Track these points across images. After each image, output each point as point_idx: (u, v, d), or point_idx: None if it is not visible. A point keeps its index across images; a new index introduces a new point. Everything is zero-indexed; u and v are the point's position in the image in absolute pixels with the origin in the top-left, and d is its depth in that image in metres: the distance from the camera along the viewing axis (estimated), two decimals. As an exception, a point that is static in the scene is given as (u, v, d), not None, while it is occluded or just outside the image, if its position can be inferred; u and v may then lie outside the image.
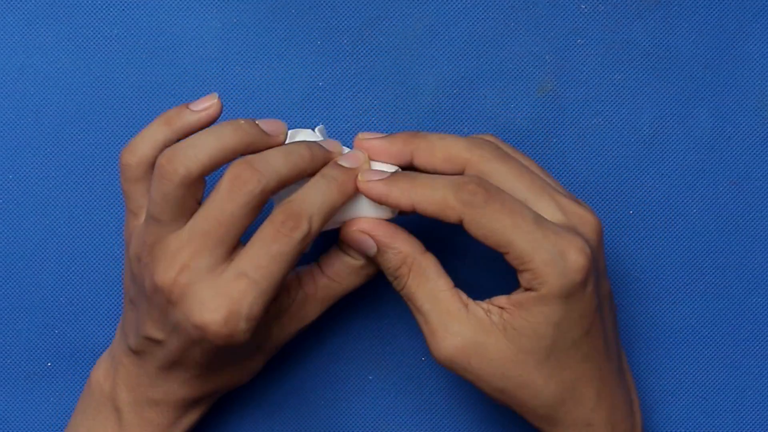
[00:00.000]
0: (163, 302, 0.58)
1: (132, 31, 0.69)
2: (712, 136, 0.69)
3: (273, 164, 0.58)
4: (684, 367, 0.69)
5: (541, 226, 0.57)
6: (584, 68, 0.69)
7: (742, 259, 0.69)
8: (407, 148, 0.61)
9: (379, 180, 0.59)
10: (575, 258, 0.57)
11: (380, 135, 0.62)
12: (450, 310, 0.59)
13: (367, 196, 0.60)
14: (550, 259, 0.57)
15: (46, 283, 0.69)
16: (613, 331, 0.62)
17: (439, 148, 0.60)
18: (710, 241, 0.69)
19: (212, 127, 0.59)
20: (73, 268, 0.69)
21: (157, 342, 0.59)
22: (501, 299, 0.59)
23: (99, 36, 0.69)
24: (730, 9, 0.69)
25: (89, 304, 0.69)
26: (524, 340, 0.58)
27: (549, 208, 0.59)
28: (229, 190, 0.57)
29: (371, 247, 0.60)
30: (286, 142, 0.61)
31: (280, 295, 0.62)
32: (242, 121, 0.60)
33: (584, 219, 0.59)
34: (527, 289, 0.58)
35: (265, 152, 0.58)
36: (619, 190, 0.69)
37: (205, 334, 0.56)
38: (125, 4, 0.69)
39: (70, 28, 0.69)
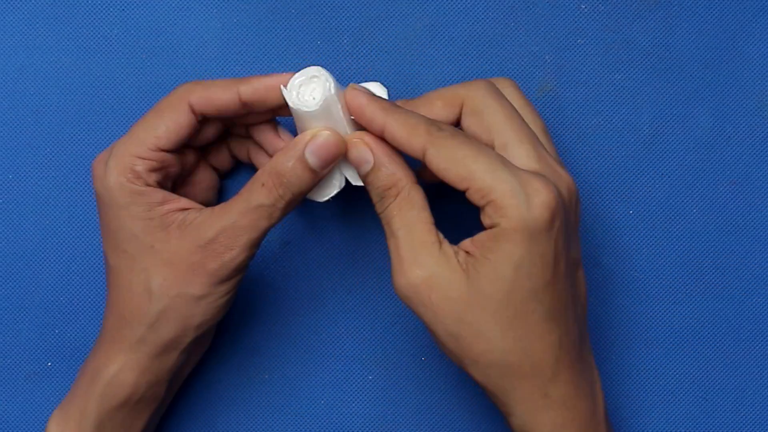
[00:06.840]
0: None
1: (132, 31, 0.69)
2: (712, 136, 0.69)
3: None
4: (684, 367, 0.69)
5: (505, 163, 0.57)
6: (584, 68, 0.69)
7: (742, 259, 0.69)
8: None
9: (365, 92, 0.60)
10: (541, 195, 0.57)
11: (373, 99, 0.61)
12: (424, 242, 0.58)
13: (349, 104, 0.60)
14: (512, 191, 0.56)
15: (46, 283, 0.69)
16: (580, 305, 0.61)
17: (436, 96, 0.62)
18: (710, 241, 0.69)
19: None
20: (73, 268, 0.69)
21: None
22: (466, 242, 0.59)
23: (99, 36, 0.69)
24: (730, 9, 0.69)
25: (89, 304, 0.69)
26: (484, 282, 0.57)
27: (527, 157, 0.59)
28: None
29: (368, 162, 0.61)
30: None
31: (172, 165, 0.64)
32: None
33: (560, 176, 0.59)
34: (490, 227, 0.57)
35: None
36: (619, 190, 0.69)
37: (93, 177, 0.63)
38: (125, 4, 0.69)
39: (70, 28, 0.69)
